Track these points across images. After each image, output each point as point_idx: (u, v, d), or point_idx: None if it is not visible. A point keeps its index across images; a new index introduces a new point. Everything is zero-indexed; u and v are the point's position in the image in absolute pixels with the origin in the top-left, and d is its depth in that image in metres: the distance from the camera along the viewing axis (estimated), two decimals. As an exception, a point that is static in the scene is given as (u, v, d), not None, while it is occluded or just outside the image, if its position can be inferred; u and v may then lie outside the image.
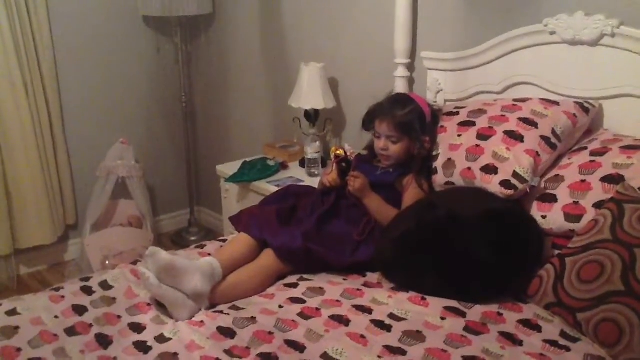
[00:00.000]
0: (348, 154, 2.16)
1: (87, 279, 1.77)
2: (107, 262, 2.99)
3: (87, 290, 1.70)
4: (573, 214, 1.71)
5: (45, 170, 3.08)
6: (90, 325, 1.54)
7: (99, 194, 3.19)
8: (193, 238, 3.63)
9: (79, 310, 1.61)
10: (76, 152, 3.28)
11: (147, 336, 1.50)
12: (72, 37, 3.17)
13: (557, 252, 1.68)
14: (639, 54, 1.87)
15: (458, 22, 2.39)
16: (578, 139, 1.97)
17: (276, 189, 2.52)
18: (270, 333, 1.47)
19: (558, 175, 1.82)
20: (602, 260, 1.49)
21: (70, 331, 1.52)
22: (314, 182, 2.52)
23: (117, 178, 3.20)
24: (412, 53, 2.51)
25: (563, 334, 1.46)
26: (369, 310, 1.56)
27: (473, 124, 2.00)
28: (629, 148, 1.77)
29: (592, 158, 1.79)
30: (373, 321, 1.52)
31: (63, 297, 1.67)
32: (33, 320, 1.55)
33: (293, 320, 1.53)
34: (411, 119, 2.03)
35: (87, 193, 3.25)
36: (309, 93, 2.71)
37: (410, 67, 2.52)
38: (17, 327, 1.51)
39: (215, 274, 1.68)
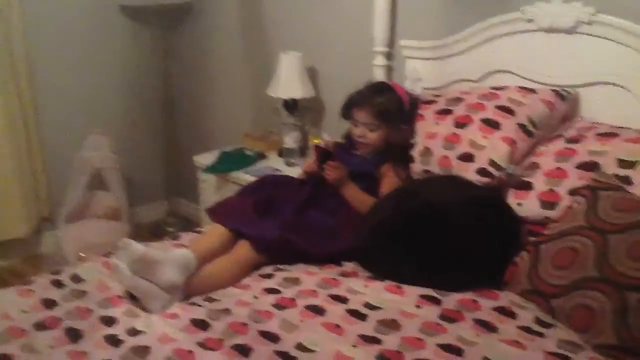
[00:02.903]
0: (325, 144, 2.14)
1: (57, 272, 1.73)
2: (83, 255, 2.94)
3: (58, 284, 1.66)
4: (548, 201, 1.72)
5: (19, 162, 3.01)
6: (60, 320, 1.50)
7: (74, 185, 3.14)
8: (171, 229, 3.58)
9: (49, 304, 1.57)
10: (51, 143, 3.21)
11: (119, 329, 1.46)
12: (47, 25, 3.10)
13: (532, 239, 1.68)
14: (615, 41, 1.88)
15: (437, 11, 2.38)
16: (555, 126, 1.96)
17: (255, 179, 2.49)
18: (245, 324, 1.45)
19: (534, 162, 1.82)
20: (576, 246, 1.49)
21: (40, 326, 1.48)
22: (293, 172, 2.50)
23: (93, 169, 3.15)
24: (391, 42, 2.49)
25: (537, 320, 1.45)
26: (344, 300, 1.55)
27: (450, 112, 1.99)
28: (604, 135, 1.77)
29: (568, 145, 1.79)
30: (349, 311, 1.50)
31: (32, 291, 1.63)
32: (0, 315, 1.51)
33: (268, 311, 1.51)
34: (390, 107, 2.02)
35: (62, 185, 3.19)
36: (288, 82, 2.68)
37: (389, 55, 2.50)
38: (-16, 323, 1.47)
39: (189, 265, 1.65)
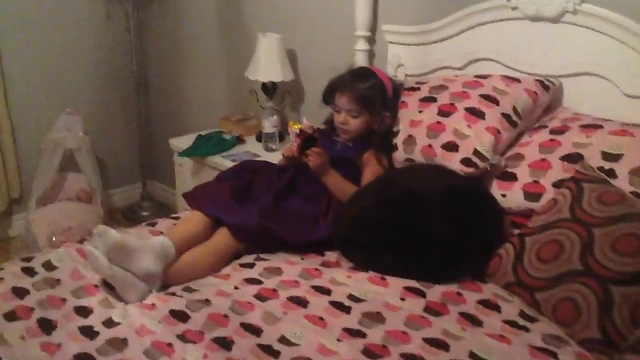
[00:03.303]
0: (308, 129, 2.09)
1: (28, 259, 1.66)
2: (54, 239, 2.86)
3: (29, 271, 1.60)
4: (532, 193, 1.71)
5: (-13, 142, 2.91)
6: (32, 309, 1.44)
7: (45, 167, 3.04)
8: (146, 213, 3.52)
9: (20, 293, 1.50)
10: (20, 123, 3.11)
11: (94, 320, 1.41)
12: (16, 2, 2.97)
13: (516, 231, 1.67)
14: (600, 32, 1.86)
15: (421, -6, 2.34)
16: (537, 116, 1.96)
17: (232, 163, 2.44)
18: (226, 316, 1.42)
19: (518, 153, 1.81)
20: (561, 239, 1.48)
21: (10, 316, 1.42)
22: (271, 157, 2.46)
23: (64, 150, 3.05)
24: (373, 26, 2.45)
25: (522, 314, 1.45)
26: (327, 291, 1.52)
27: (434, 100, 1.96)
28: (588, 127, 1.76)
29: (552, 136, 1.78)
30: (332, 302, 1.47)
31: (1, 278, 1.56)
32: (-32, 304, 1.45)
33: (249, 302, 1.47)
34: (372, 93, 1.98)
35: (32, 166, 3.10)
36: (267, 65, 2.62)
37: (371, 40, 2.46)
38: (-50, 313, 1.41)
39: (167, 253, 1.60)
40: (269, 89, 2.70)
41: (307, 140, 1.92)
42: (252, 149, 2.69)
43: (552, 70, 1.99)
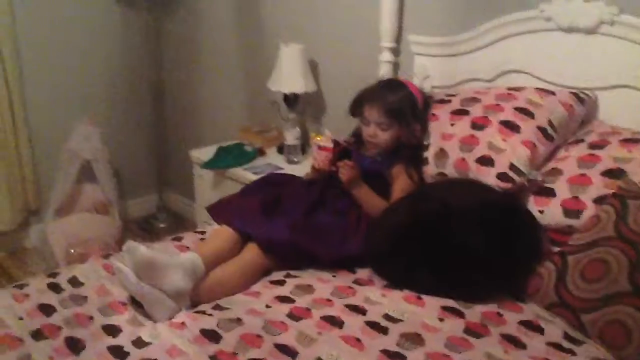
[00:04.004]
0: (329, 141, 2.05)
1: (54, 275, 1.62)
2: (72, 251, 2.82)
3: (55, 288, 1.56)
4: (572, 209, 1.65)
5: (5, 153, 2.89)
6: (60, 328, 1.40)
7: (62, 178, 3.02)
8: (162, 225, 3.48)
9: (47, 310, 1.46)
10: (38, 133, 3.08)
11: (123, 340, 1.37)
12: (34, 12, 2.96)
13: (556, 248, 1.62)
14: (638, 43, 1.81)
15: (448, 5, 2.29)
16: (573, 130, 1.90)
17: (253, 176, 2.41)
18: (259, 336, 1.36)
19: (556, 168, 1.75)
20: (607, 258, 1.42)
21: (37, 334, 1.37)
22: (294, 170, 2.41)
23: (81, 161, 3.02)
24: (399, 36, 2.41)
25: (566, 336, 1.39)
26: (362, 311, 1.47)
27: (467, 112, 1.91)
28: (628, 141, 1.71)
29: (591, 151, 1.73)
30: (368, 322, 1.42)
31: (28, 295, 1.52)
32: (-6, 322, 1.40)
33: (282, 322, 1.42)
34: (402, 106, 1.94)
35: (50, 177, 3.07)
36: (289, 76, 2.58)
37: (396, 51, 2.42)
38: (-25, 331, 1.37)
39: (197, 270, 1.55)
40: (291, 100, 2.66)
41: (341, 152, 1.88)
42: (274, 161, 2.64)
43: (586, 83, 1.94)
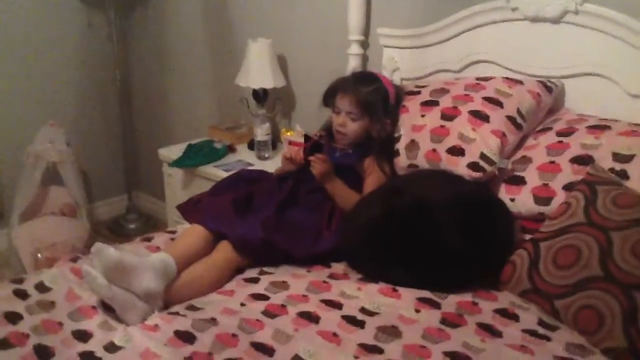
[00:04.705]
0: (299, 136, 2.04)
1: (19, 281, 1.57)
2: (39, 255, 2.75)
3: (21, 294, 1.51)
4: (543, 197, 1.66)
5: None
6: (27, 336, 1.35)
7: (26, 180, 2.94)
8: (132, 225, 3.42)
9: (13, 318, 1.41)
10: (1, 135, 2.99)
11: (95, 345, 1.33)
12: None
13: (528, 236, 1.63)
14: (602, 31, 1.83)
15: (415, -3, 2.30)
16: (540, 118, 1.92)
17: (225, 173, 2.38)
18: (234, 335, 1.34)
19: (525, 156, 1.77)
20: (578, 244, 1.44)
21: (4, 343, 1.32)
22: (265, 166, 2.39)
23: (47, 163, 2.95)
24: (367, 29, 2.40)
25: (541, 323, 1.40)
26: (338, 305, 1.46)
27: (436, 103, 1.92)
28: (595, 128, 1.73)
29: (560, 138, 1.75)
30: (344, 317, 1.41)
31: (-8, 303, 1.47)
32: (-42, 331, 1.35)
33: (258, 320, 1.40)
34: (374, 99, 1.93)
35: (13, 180, 2.98)
36: (258, 71, 2.56)
37: (364, 44, 2.41)
38: (-62, 341, 1.31)
39: (168, 270, 1.52)
40: (260, 95, 2.63)
41: (313, 145, 1.86)
42: (245, 157, 2.61)
43: (553, 72, 1.96)
